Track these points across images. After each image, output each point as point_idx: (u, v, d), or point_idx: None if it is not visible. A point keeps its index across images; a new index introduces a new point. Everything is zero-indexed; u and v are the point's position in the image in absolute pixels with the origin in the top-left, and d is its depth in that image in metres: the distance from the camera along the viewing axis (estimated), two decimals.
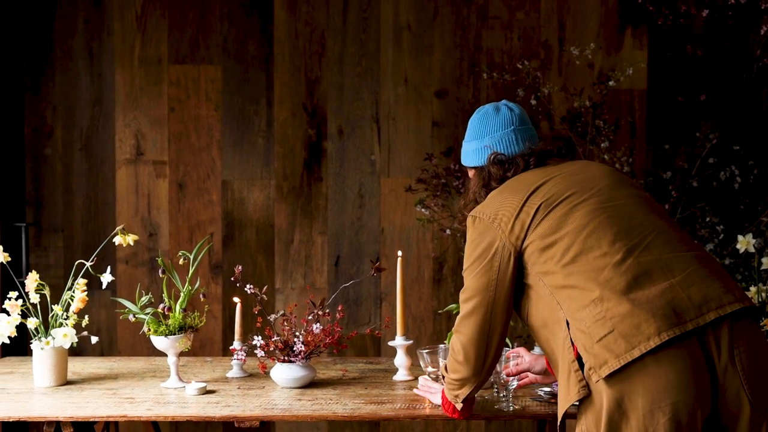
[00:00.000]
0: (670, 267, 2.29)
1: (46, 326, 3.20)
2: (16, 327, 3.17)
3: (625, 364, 2.18)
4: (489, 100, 4.59)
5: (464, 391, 2.63)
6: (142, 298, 3.20)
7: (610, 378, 2.20)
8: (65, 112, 4.66)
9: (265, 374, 3.24)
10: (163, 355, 3.29)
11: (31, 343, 3.19)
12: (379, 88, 4.64)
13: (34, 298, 3.20)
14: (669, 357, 2.17)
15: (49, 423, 2.92)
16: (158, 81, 4.65)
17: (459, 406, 2.67)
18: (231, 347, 3.33)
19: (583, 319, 2.27)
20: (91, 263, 3.26)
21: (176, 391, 3.13)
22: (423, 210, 4.49)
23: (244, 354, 3.28)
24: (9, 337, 3.16)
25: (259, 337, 3.13)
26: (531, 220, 2.43)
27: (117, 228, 3.38)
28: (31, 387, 3.19)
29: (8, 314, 3.17)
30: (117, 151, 4.67)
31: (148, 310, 3.17)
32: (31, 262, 4.59)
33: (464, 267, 2.56)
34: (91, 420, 2.90)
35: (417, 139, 4.64)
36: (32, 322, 3.16)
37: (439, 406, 2.80)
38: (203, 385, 3.11)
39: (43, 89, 4.65)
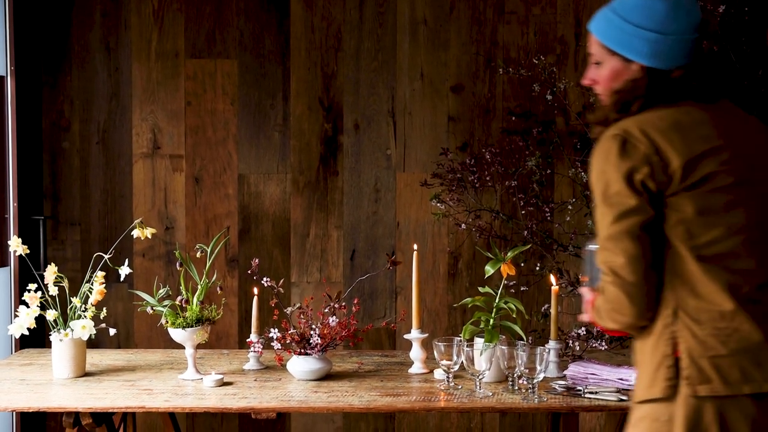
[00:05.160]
0: None
1: (65, 318, 3.23)
2: (35, 319, 3.20)
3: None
4: (505, 95, 4.59)
5: None
6: (160, 291, 3.23)
7: (705, 397, 2.01)
8: (82, 106, 4.68)
9: (282, 366, 3.26)
10: (181, 347, 3.32)
11: (50, 335, 3.22)
12: (395, 82, 4.65)
13: (53, 290, 3.23)
14: None
15: (68, 413, 2.94)
16: (175, 75, 4.67)
17: None
18: (248, 339, 3.35)
19: (701, 323, 2.04)
20: (109, 256, 3.29)
21: (194, 383, 3.15)
22: (438, 204, 4.50)
23: (261, 346, 3.30)
24: (28, 329, 3.19)
25: (276, 330, 3.15)
26: (696, 182, 2.06)
27: (135, 221, 3.41)
28: (50, 378, 3.22)
29: (27, 306, 3.20)
30: (134, 144, 4.69)
31: (166, 302, 3.20)
32: (48, 255, 4.62)
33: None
34: (110, 411, 2.93)
35: (433, 134, 4.64)
36: (51, 314, 3.19)
37: None
38: (220, 377, 3.13)
39: (60, 83, 4.67)
